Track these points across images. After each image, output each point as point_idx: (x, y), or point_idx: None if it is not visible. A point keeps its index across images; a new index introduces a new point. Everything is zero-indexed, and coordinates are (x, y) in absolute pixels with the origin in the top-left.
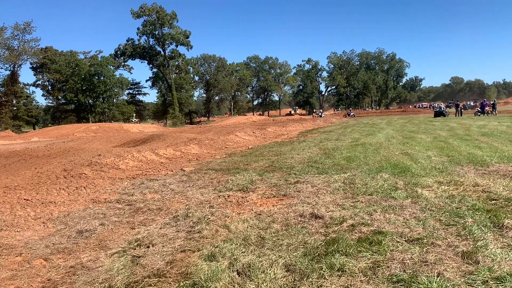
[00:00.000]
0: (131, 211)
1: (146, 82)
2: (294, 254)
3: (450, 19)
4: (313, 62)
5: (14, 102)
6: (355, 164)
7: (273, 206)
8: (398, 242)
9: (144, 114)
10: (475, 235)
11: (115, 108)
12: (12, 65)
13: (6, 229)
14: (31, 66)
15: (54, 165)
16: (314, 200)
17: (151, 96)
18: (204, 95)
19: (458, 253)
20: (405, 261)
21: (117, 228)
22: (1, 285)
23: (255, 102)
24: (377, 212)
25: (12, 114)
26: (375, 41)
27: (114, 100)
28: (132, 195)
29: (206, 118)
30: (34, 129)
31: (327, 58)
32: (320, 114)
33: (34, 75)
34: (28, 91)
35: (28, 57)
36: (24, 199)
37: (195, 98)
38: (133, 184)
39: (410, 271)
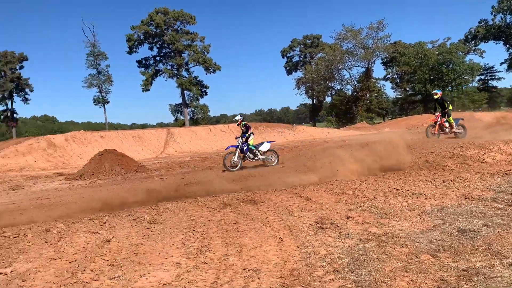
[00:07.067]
0: None
1: (500, 65)
2: None
3: None
4: None
5: (367, 96)
6: None
7: None
8: None
9: (498, 101)
10: None
11: (464, 96)
12: (367, 62)
13: (385, 217)
14: (381, 61)
15: (416, 155)
16: None
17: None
18: None
19: None
20: None
21: (506, 232)
22: (396, 275)
23: None
24: None
25: (366, 107)
26: None
27: (463, 87)
28: (511, 194)
29: None
30: (384, 120)
31: None
32: None
33: (384, 69)
34: (379, 85)
35: (380, 53)
36: (394, 188)
37: None
38: (507, 181)
39: None
